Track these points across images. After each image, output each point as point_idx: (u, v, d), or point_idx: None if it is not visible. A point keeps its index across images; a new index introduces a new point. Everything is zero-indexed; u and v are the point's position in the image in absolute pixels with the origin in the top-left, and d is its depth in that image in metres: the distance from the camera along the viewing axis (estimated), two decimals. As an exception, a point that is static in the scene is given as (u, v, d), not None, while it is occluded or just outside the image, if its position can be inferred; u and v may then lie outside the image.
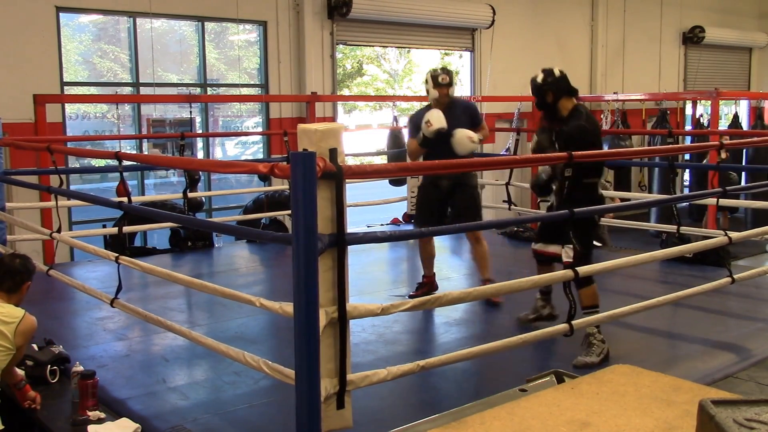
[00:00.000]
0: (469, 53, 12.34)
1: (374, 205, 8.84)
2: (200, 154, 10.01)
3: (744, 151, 11.41)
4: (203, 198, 8.99)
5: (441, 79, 5.51)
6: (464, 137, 5.36)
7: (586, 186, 4.51)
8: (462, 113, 5.56)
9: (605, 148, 11.66)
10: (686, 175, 12.57)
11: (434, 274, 5.91)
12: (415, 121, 5.63)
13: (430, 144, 5.42)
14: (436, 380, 4.16)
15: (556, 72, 4.63)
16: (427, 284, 5.83)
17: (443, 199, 5.70)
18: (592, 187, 4.58)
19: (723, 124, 13.26)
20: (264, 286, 6.75)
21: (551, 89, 4.59)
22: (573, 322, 3.71)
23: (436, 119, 5.36)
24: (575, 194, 4.42)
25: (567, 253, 4.31)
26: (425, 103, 5.86)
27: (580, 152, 3.91)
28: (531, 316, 4.90)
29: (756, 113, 12.87)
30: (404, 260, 7.66)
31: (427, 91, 5.64)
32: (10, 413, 3.65)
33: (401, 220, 9.44)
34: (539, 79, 4.65)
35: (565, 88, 4.61)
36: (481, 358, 4.05)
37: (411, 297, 5.65)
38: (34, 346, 4.13)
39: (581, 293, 4.36)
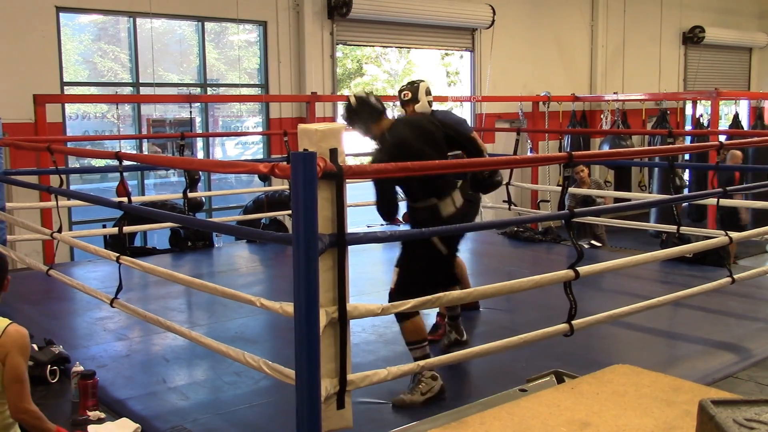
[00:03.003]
0: (469, 53, 12.35)
1: (374, 205, 8.82)
2: (200, 154, 10.01)
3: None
4: (203, 198, 8.99)
5: (403, 95, 4.97)
6: None
7: (417, 210, 4.03)
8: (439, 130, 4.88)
9: (605, 149, 11.79)
10: (685, 175, 12.57)
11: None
12: None
13: None
14: (436, 380, 4.16)
15: (353, 101, 4.13)
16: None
17: None
18: (426, 211, 3.99)
19: (723, 124, 13.27)
20: (264, 286, 6.75)
21: (355, 122, 4.11)
22: (573, 321, 3.71)
23: None
24: (411, 216, 4.08)
25: (393, 278, 3.95)
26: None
27: (580, 152, 3.88)
28: (445, 342, 4.60)
29: (756, 113, 12.88)
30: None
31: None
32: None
33: (401, 220, 9.43)
34: (343, 116, 4.19)
35: (367, 113, 4.07)
36: (481, 358, 4.05)
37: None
38: (34, 346, 4.13)
39: (401, 327, 3.89)
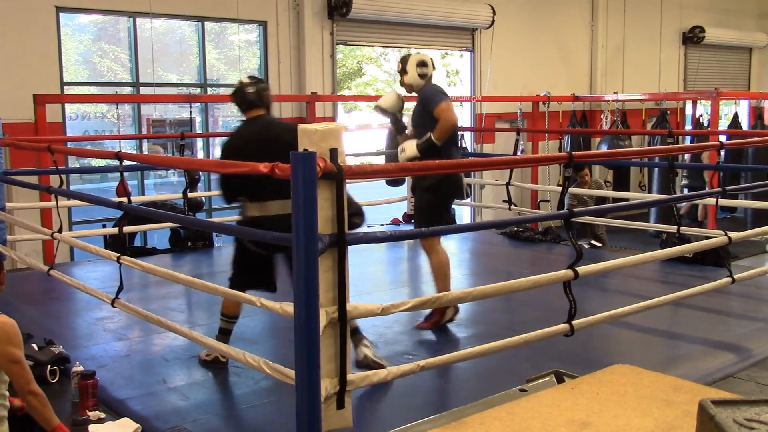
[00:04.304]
0: (469, 53, 12.34)
1: (374, 205, 8.84)
2: (200, 154, 10.01)
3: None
4: (203, 198, 8.99)
5: (397, 67, 5.19)
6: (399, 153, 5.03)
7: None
8: (419, 103, 5.11)
9: (604, 149, 11.78)
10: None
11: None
12: None
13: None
14: (436, 380, 4.16)
15: (237, 83, 4.32)
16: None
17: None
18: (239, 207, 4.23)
19: (723, 124, 13.27)
20: (264, 286, 6.74)
21: (233, 100, 4.30)
22: (573, 321, 3.71)
23: (384, 99, 5.31)
24: None
25: None
26: None
27: (580, 152, 3.89)
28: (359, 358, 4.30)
29: (756, 113, 12.88)
30: (404, 260, 7.66)
31: None
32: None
33: (401, 220, 9.44)
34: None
35: (239, 99, 4.26)
36: (481, 358, 4.05)
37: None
38: (34, 346, 4.14)
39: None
